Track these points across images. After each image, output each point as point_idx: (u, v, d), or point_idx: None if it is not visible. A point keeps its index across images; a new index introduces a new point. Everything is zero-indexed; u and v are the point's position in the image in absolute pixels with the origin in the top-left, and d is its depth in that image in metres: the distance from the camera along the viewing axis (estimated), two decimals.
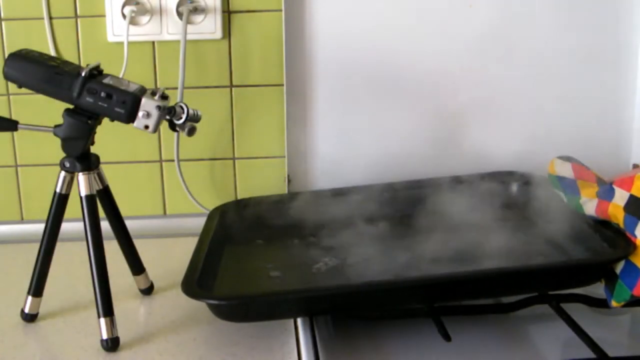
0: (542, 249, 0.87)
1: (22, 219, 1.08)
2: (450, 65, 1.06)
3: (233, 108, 1.06)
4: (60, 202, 0.77)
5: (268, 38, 1.04)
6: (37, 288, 0.80)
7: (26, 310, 0.81)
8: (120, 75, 1.00)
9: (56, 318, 0.82)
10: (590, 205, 0.83)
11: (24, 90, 0.74)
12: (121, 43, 1.01)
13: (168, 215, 1.09)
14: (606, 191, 0.81)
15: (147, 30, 1.02)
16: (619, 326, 0.82)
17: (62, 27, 1.02)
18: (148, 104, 0.73)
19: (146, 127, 0.74)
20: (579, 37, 1.06)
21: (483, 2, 1.04)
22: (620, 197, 0.78)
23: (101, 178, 0.80)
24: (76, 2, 1.01)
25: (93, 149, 0.78)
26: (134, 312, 0.84)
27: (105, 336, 0.75)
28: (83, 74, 0.73)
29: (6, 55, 0.74)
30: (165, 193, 1.09)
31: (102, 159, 0.79)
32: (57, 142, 0.75)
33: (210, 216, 0.98)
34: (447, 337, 0.72)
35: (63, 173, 0.77)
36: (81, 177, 0.76)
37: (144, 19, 1.01)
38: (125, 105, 0.73)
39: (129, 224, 0.84)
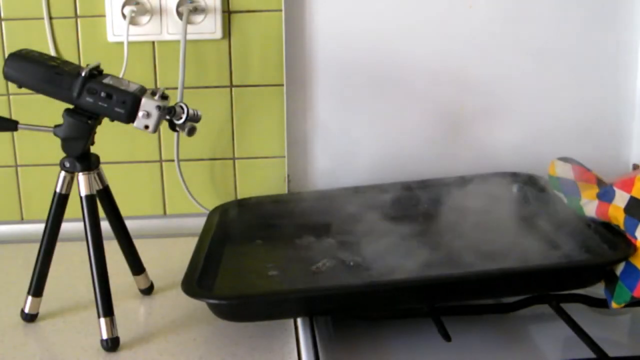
0: (542, 250, 0.87)
1: (22, 219, 1.08)
2: (451, 66, 1.06)
3: (233, 108, 1.06)
4: (60, 202, 0.77)
5: (268, 38, 1.04)
6: (37, 288, 0.80)
7: (26, 310, 0.81)
8: (120, 75, 1.00)
9: (56, 318, 0.82)
10: (590, 207, 0.83)
11: (24, 90, 0.74)
12: (121, 43, 1.01)
13: (168, 215, 1.09)
14: (606, 193, 0.81)
15: (147, 30, 1.02)
16: (619, 326, 0.82)
17: (62, 27, 1.02)
18: (148, 104, 0.73)
19: (146, 127, 0.74)
20: (579, 37, 1.06)
21: (483, 2, 1.04)
22: (621, 198, 0.78)
23: (101, 178, 0.80)
24: (76, 2, 1.01)
25: (93, 149, 0.78)
26: (134, 312, 0.84)
27: (105, 336, 0.75)
28: (83, 74, 0.73)
29: (6, 55, 0.74)
30: (165, 193, 1.09)
31: (102, 159, 0.79)
32: (57, 142, 0.75)
33: (210, 216, 0.98)
34: (447, 337, 0.72)
35: (63, 173, 0.77)
36: (81, 177, 0.76)
37: (144, 19, 1.01)
38: (125, 105, 0.73)
39: (129, 224, 0.85)
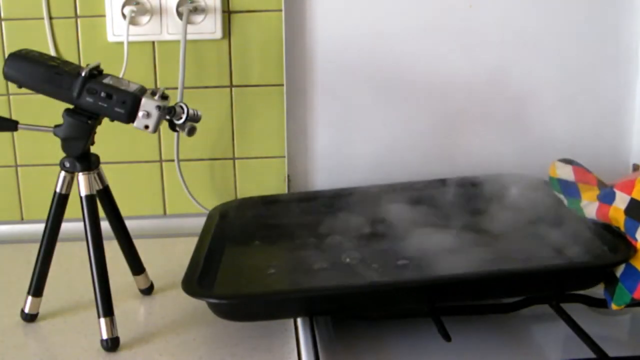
0: (542, 251, 0.87)
1: (22, 219, 1.08)
2: (451, 66, 1.06)
3: (233, 108, 1.06)
4: (60, 202, 0.77)
5: (268, 38, 1.04)
6: (37, 288, 0.80)
7: (26, 310, 0.81)
8: (120, 75, 1.00)
9: (56, 318, 0.82)
10: (591, 209, 0.83)
11: (24, 90, 0.74)
12: (121, 43, 1.01)
13: (168, 215, 1.09)
14: (607, 194, 0.81)
15: (147, 30, 1.02)
16: (619, 326, 0.82)
17: (62, 27, 1.02)
18: (148, 104, 0.73)
19: (146, 127, 0.74)
20: (579, 38, 1.06)
21: (483, 2, 1.04)
22: (621, 200, 0.78)
23: (101, 178, 0.80)
24: (76, 2, 1.01)
25: (93, 149, 0.78)
26: (134, 312, 0.84)
27: (105, 336, 0.75)
28: (83, 74, 0.73)
29: (6, 55, 0.74)
30: (165, 193, 1.09)
31: (102, 159, 0.79)
32: (57, 142, 0.76)
33: (210, 215, 0.98)
34: (447, 337, 0.72)
35: (63, 173, 0.77)
36: (81, 177, 0.76)
37: (144, 19, 1.01)
38: (125, 105, 0.73)
39: (129, 224, 0.85)
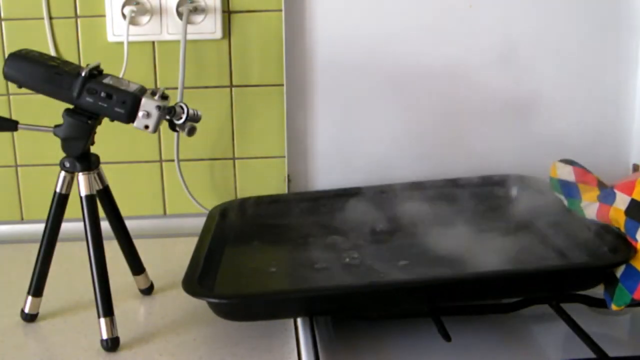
0: (542, 252, 0.87)
1: (22, 219, 1.08)
2: (451, 66, 1.06)
3: (233, 108, 1.06)
4: (60, 202, 0.77)
5: (268, 38, 1.04)
6: (37, 288, 0.80)
7: (26, 310, 0.81)
8: (120, 75, 1.00)
9: (56, 318, 0.82)
10: (591, 209, 0.83)
11: (24, 90, 0.74)
12: (121, 43, 1.01)
13: (168, 215, 1.09)
14: (607, 195, 0.81)
15: (147, 30, 1.02)
16: (619, 326, 0.82)
17: (62, 27, 1.02)
18: (148, 104, 0.73)
19: (146, 127, 0.74)
20: (578, 38, 1.06)
21: (483, 2, 1.04)
22: (622, 201, 0.78)
23: (101, 178, 0.80)
24: (76, 2, 1.01)
25: (93, 149, 0.78)
26: (134, 312, 0.84)
27: (105, 336, 0.75)
28: (83, 74, 0.73)
29: (6, 55, 0.74)
30: (165, 193, 1.09)
31: (102, 159, 0.79)
32: (57, 142, 0.76)
33: (211, 215, 0.98)
34: (447, 337, 0.72)
35: (63, 173, 0.77)
36: (81, 177, 0.76)
37: (144, 19, 1.01)
38: (125, 105, 0.73)
39: (129, 224, 0.84)
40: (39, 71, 0.73)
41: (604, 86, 1.08)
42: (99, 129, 0.77)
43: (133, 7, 0.99)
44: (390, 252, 0.90)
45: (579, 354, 0.70)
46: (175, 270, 0.89)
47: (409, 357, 0.74)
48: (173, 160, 1.06)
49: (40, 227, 0.79)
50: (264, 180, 1.08)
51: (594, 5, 1.05)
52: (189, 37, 1.01)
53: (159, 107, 0.73)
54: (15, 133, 1.04)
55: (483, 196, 1.01)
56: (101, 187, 0.80)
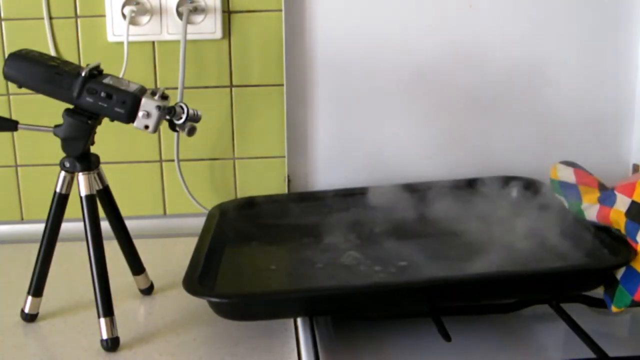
0: (542, 254, 0.87)
1: (22, 219, 1.08)
2: (451, 66, 1.06)
3: (233, 108, 1.06)
4: (60, 202, 0.77)
5: (268, 38, 1.04)
6: (37, 288, 0.80)
7: (26, 310, 0.81)
8: (120, 75, 1.00)
9: (56, 318, 0.82)
10: (591, 211, 0.83)
11: (24, 90, 0.74)
12: (121, 43, 1.01)
13: (168, 215, 1.09)
14: (608, 197, 0.81)
15: (147, 30, 1.02)
16: (619, 326, 0.82)
17: (62, 27, 1.02)
18: (148, 104, 0.73)
19: (146, 127, 0.74)
20: (578, 38, 1.06)
21: (483, 2, 1.04)
22: (622, 203, 0.78)
23: (101, 178, 0.80)
24: (76, 2, 1.01)
25: (93, 149, 0.78)
26: (134, 312, 0.84)
27: (105, 336, 0.75)
28: (83, 74, 0.73)
29: (6, 55, 0.74)
30: (165, 193, 1.09)
31: (102, 159, 0.79)
32: (57, 142, 0.75)
33: (211, 215, 0.98)
34: (447, 337, 0.72)
35: (63, 173, 0.77)
36: (81, 177, 0.76)
37: (144, 19, 1.01)
38: (125, 105, 0.73)
39: (129, 224, 0.84)
40: (39, 71, 0.73)
41: (604, 86, 1.08)
42: (99, 129, 0.77)
43: (133, 7, 0.99)
44: (390, 252, 0.90)
45: (579, 354, 0.70)
46: (175, 270, 0.89)
47: (409, 357, 0.74)
48: (173, 160, 1.06)
49: (40, 227, 0.79)
50: (264, 180, 1.08)
51: (594, 6, 1.05)
52: (189, 37, 1.01)
53: (159, 107, 0.73)
54: (15, 133, 1.04)
55: (483, 197, 1.01)
56: (101, 187, 0.80)
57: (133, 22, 1.01)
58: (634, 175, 0.99)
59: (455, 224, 0.95)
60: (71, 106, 0.75)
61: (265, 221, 1.01)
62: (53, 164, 0.79)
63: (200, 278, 0.78)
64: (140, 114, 0.73)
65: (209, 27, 1.02)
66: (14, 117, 0.85)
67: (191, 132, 0.77)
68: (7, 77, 0.74)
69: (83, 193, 0.76)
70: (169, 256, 0.99)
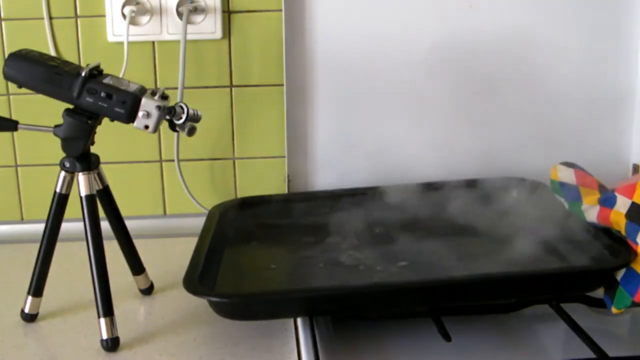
0: (542, 255, 0.87)
1: (22, 219, 1.08)
2: (451, 66, 1.06)
3: (233, 108, 1.06)
4: (60, 202, 0.77)
5: (268, 38, 1.04)
6: (37, 288, 0.80)
7: (26, 310, 0.81)
8: (120, 75, 1.00)
9: (56, 318, 0.82)
10: (592, 212, 0.83)
11: (24, 90, 0.74)
12: (121, 43, 1.01)
13: (168, 215, 1.09)
14: (608, 198, 0.81)
15: (147, 30, 1.02)
16: (619, 326, 0.82)
17: (62, 27, 1.02)
18: (148, 104, 0.73)
19: (146, 127, 0.74)
20: (578, 38, 1.06)
21: (483, 2, 1.04)
22: (622, 204, 0.78)
23: (101, 178, 0.80)
24: (76, 2, 1.01)
25: (93, 149, 0.78)
26: (134, 312, 0.84)
27: (105, 336, 0.75)
28: (83, 74, 0.73)
29: (6, 55, 0.74)
30: (165, 193, 1.09)
31: (102, 159, 0.79)
32: (57, 142, 0.76)
33: (211, 214, 0.98)
34: (447, 337, 0.72)
35: (63, 173, 0.77)
36: (81, 177, 0.76)
37: (144, 19, 1.01)
38: (125, 105, 0.73)
39: (129, 224, 0.84)
40: (39, 71, 0.73)
41: (604, 86, 1.08)
42: (99, 129, 0.77)
43: (133, 7, 0.99)
44: (390, 252, 0.90)
45: (579, 354, 0.70)
46: (175, 270, 0.89)
47: (409, 357, 0.74)
48: (173, 160, 1.06)
49: (40, 227, 0.79)
50: (264, 180, 1.08)
51: (594, 6, 1.05)
52: (189, 37, 1.01)
53: (159, 107, 0.73)
54: (15, 133, 1.04)
55: (484, 198, 1.01)
56: (101, 187, 0.80)
57: (133, 22, 1.01)
58: (634, 177, 0.99)
59: (456, 225, 0.95)
60: (71, 106, 0.75)
61: (265, 221, 1.01)
62: (53, 164, 0.79)
63: (200, 278, 0.78)
64: (140, 114, 0.73)
65: (209, 27, 1.02)
66: (14, 117, 0.85)
67: (191, 132, 0.77)
68: (7, 77, 0.74)
69: (83, 193, 0.76)
70: (169, 256, 0.99)
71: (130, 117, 0.73)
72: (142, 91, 0.75)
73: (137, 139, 1.05)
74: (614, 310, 0.77)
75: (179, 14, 1.01)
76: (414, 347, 0.76)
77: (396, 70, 1.05)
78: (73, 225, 0.83)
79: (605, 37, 1.07)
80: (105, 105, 0.73)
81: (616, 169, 1.10)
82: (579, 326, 0.74)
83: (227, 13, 1.03)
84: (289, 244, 0.96)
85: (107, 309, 0.76)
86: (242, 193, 1.08)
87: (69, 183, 0.77)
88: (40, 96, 0.74)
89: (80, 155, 0.76)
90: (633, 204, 0.77)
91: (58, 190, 0.77)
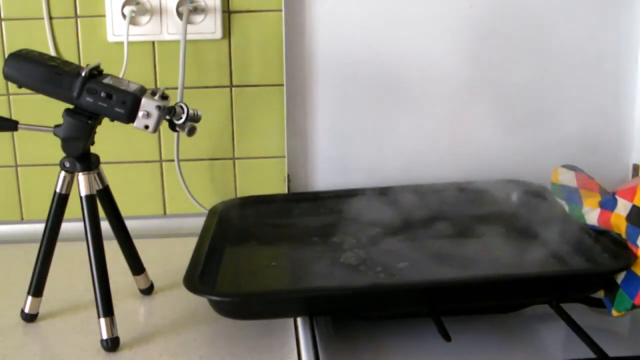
0: (543, 257, 0.87)
1: (22, 219, 1.08)
2: (451, 66, 1.06)
3: (233, 108, 1.06)
4: (60, 202, 0.77)
5: (268, 38, 1.04)
6: (37, 288, 0.80)
7: (26, 310, 0.81)
8: (120, 75, 1.00)
9: (56, 318, 0.82)
10: (592, 215, 0.83)
11: (24, 90, 0.74)
12: (121, 43, 1.01)
13: (168, 215, 1.09)
14: (609, 201, 0.81)
15: (147, 30, 1.02)
16: (619, 326, 0.82)
17: (62, 27, 1.02)
18: (148, 104, 0.73)
19: (146, 127, 0.74)
20: (579, 39, 1.06)
21: (483, 2, 1.04)
22: (623, 207, 0.79)
23: (101, 178, 0.80)
24: (76, 2, 1.01)
25: (93, 149, 0.78)
26: (134, 312, 0.84)
27: (105, 336, 0.75)
28: (83, 74, 0.73)
29: (6, 55, 0.74)
30: (165, 193, 1.09)
31: (102, 159, 0.79)
32: (57, 142, 0.76)
33: (211, 214, 0.98)
34: (447, 337, 0.72)
35: (63, 173, 0.77)
36: (81, 177, 0.76)
37: (144, 19, 1.01)
38: (125, 105, 0.73)
39: (129, 224, 0.85)
40: (39, 71, 0.73)
41: (604, 86, 1.08)
42: (99, 129, 0.77)
43: (133, 7, 0.99)
44: (390, 253, 0.90)
45: (579, 354, 0.70)
46: (175, 270, 0.89)
47: (409, 357, 0.74)
48: (173, 160, 1.06)
49: (40, 227, 0.79)
50: (264, 180, 1.08)
51: (594, 7, 1.05)
52: (189, 37, 1.01)
53: (159, 107, 0.73)
54: (15, 133, 1.04)
55: (484, 200, 1.01)
56: (101, 187, 0.80)
57: (133, 22, 1.01)
58: (634, 179, 0.99)
59: (456, 226, 0.95)
60: (71, 106, 0.75)
61: (265, 221, 1.01)
62: (53, 164, 0.79)
63: (200, 277, 0.78)
64: (140, 114, 0.73)
65: (209, 27, 1.02)
66: (14, 117, 0.85)
67: (191, 132, 0.77)
68: (7, 77, 0.74)
69: (83, 193, 0.76)
70: (169, 256, 0.99)
71: (130, 117, 0.73)
72: (142, 91, 0.75)
73: (137, 139, 1.05)
74: (614, 313, 0.77)
75: (179, 14, 1.01)
76: (414, 347, 0.76)
77: (396, 70, 1.05)
78: (73, 225, 0.83)
79: (606, 39, 1.07)
80: (105, 105, 0.73)
81: (616, 169, 1.10)
82: (579, 326, 0.74)
83: (227, 13, 1.03)
84: (289, 244, 0.96)
85: (107, 309, 0.76)
86: (242, 193, 1.08)
87: (69, 183, 0.77)
88: (40, 96, 0.74)
89: (80, 155, 0.76)
90: (634, 207, 0.77)
91: (58, 190, 0.77)
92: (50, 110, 0.76)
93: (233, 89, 1.06)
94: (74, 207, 0.77)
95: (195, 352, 0.75)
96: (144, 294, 0.88)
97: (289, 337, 0.78)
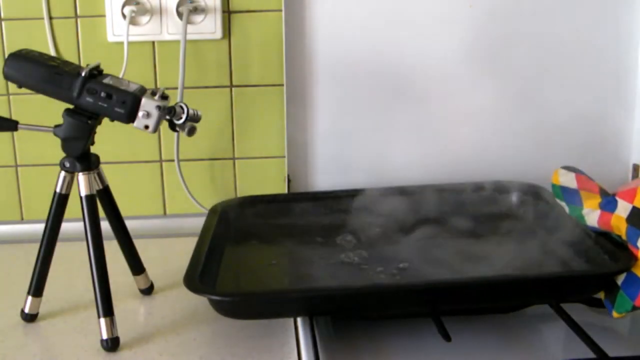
0: (543, 259, 0.87)
1: (22, 219, 1.08)
2: (451, 66, 1.06)
3: (233, 108, 1.06)
4: (60, 202, 0.77)
5: (268, 38, 1.04)
6: (37, 288, 0.80)
7: (26, 310, 0.81)
8: (120, 75, 1.00)
9: (56, 318, 0.82)
10: (592, 217, 0.83)
11: (24, 90, 0.74)
12: (121, 43, 1.01)
13: (168, 215, 1.09)
14: (609, 202, 0.81)
15: (147, 30, 1.02)
16: (619, 326, 0.82)
17: (62, 27, 1.02)
18: (148, 104, 0.73)
19: (146, 127, 0.74)
20: (579, 38, 1.06)
21: (483, 2, 1.04)
22: (623, 208, 0.79)
23: (101, 178, 0.80)
24: (76, 2, 1.01)
25: (93, 149, 0.78)
26: (134, 312, 0.84)
27: (105, 336, 0.75)
28: (83, 74, 0.73)
29: (6, 55, 0.74)
30: (165, 193, 1.09)
31: (102, 159, 0.79)
32: (57, 142, 0.76)
33: (211, 213, 0.98)
34: (447, 337, 0.72)
35: (63, 173, 0.77)
36: (81, 177, 0.76)
37: (144, 19, 1.01)
38: (125, 105, 0.73)
39: (129, 224, 0.85)
40: (39, 71, 0.73)
41: (604, 86, 1.08)
42: (99, 129, 0.77)
43: (133, 7, 0.99)
44: (390, 253, 0.90)
45: (579, 354, 0.70)
46: (175, 270, 0.89)
47: (409, 357, 0.74)
48: (173, 160, 1.06)
49: (40, 227, 0.79)
50: (264, 180, 1.08)
51: (593, 6, 1.05)
52: (189, 37, 1.01)
53: (159, 107, 0.73)
54: (15, 133, 1.04)
55: (484, 201, 1.01)
56: (101, 187, 0.80)
57: (133, 22, 1.01)
58: (634, 181, 0.99)
59: (456, 228, 0.95)
60: (71, 106, 0.75)
61: (265, 221, 1.01)
62: (53, 164, 0.79)
63: (201, 276, 0.78)
64: (140, 114, 0.73)
65: (209, 27, 1.02)
66: (14, 117, 0.85)
67: (191, 132, 0.77)
68: (7, 77, 0.74)
69: (83, 193, 0.76)
70: (169, 256, 0.99)
71: (130, 117, 0.73)
72: (142, 91, 0.75)
73: (137, 139, 1.05)
74: (614, 314, 0.77)
75: (179, 14, 1.01)
76: (414, 347, 0.76)
77: (396, 70, 1.05)
78: (73, 225, 0.83)
79: (606, 39, 1.07)
80: (105, 105, 0.73)
81: (616, 169, 1.10)
82: (579, 326, 0.74)
83: (227, 13, 1.03)
84: (289, 244, 0.96)
85: (107, 309, 0.76)
86: (242, 193, 1.08)
87: (69, 183, 0.77)
88: (40, 96, 0.74)
89: (80, 155, 0.76)
90: (634, 209, 0.77)
91: (58, 190, 0.77)
92: (50, 110, 0.76)
93: (233, 89, 1.06)
94: (74, 207, 0.77)
95: (195, 352, 0.75)
96: (144, 294, 0.88)
97: (289, 337, 0.78)
